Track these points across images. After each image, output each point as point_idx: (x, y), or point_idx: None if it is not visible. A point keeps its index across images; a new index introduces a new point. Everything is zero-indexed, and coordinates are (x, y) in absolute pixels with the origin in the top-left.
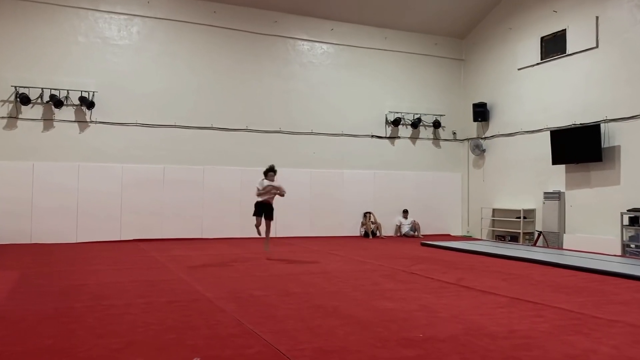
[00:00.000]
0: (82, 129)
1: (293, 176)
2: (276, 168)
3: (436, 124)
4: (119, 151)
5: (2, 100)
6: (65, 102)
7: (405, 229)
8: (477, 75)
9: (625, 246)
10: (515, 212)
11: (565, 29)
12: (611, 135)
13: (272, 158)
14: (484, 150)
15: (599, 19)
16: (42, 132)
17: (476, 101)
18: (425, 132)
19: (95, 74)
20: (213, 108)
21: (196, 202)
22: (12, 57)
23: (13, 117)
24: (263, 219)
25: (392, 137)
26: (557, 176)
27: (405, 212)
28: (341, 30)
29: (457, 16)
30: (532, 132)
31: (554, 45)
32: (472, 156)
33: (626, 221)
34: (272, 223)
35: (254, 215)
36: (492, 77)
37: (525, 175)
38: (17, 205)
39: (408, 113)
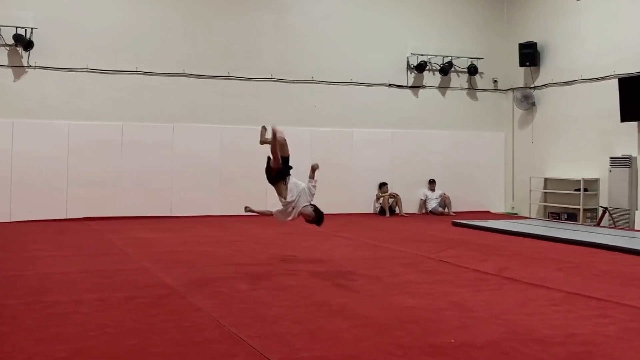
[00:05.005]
0: (17, 76)
1: (289, 136)
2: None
3: (472, 70)
4: (64, 104)
5: None
6: None
7: (432, 204)
8: (525, 8)
9: None
10: (573, 183)
11: None
12: None
13: (261, 112)
14: (533, 104)
15: None
16: None
17: (523, 40)
18: (458, 80)
19: (33, 6)
20: (186, 49)
21: (164, 170)
22: None
23: None
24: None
25: (416, 87)
26: (627, 136)
27: (432, 182)
28: None
29: None
30: (596, 80)
31: None
32: (518, 111)
33: None
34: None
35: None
36: (544, 9)
37: (586, 135)
38: None
39: (436, 56)
